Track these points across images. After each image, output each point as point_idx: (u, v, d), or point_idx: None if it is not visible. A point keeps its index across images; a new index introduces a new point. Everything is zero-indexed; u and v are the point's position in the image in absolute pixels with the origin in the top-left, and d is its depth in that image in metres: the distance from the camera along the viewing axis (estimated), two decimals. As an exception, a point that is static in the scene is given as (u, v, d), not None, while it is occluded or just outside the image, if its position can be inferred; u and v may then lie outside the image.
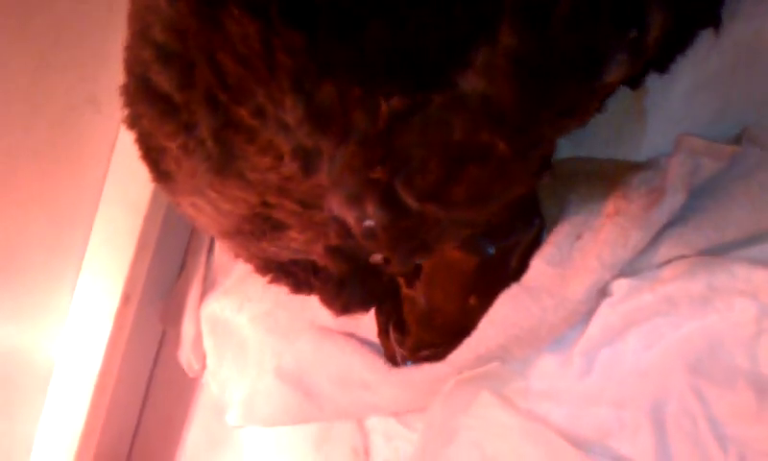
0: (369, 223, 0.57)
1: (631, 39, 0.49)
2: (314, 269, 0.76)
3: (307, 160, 0.54)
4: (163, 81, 0.58)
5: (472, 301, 0.74)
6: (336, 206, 0.58)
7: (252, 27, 0.50)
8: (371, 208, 0.55)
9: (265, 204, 0.62)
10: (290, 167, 0.56)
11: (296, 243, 0.67)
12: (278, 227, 0.65)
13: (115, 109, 0.93)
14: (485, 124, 0.50)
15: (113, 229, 0.98)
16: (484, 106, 0.49)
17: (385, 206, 0.54)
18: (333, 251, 0.66)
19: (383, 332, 0.83)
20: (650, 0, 0.48)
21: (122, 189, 0.99)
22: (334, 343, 0.87)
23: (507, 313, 0.69)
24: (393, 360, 0.81)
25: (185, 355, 1.03)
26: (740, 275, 0.61)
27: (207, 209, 0.67)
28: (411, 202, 0.54)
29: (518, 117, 0.49)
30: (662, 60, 0.66)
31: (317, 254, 0.69)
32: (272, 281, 0.78)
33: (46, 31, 0.93)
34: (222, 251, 1.01)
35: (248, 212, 0.64)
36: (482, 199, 0.56)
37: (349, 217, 0.57)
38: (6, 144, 0.93)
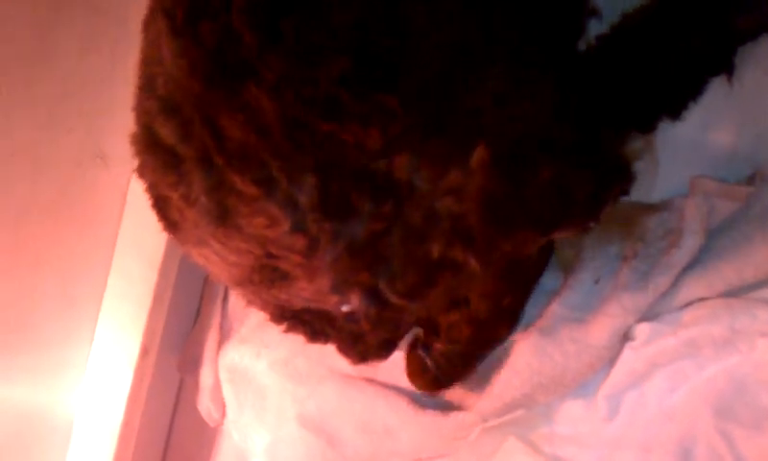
0: (347, 308, 0.62)
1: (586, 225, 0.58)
2: (329, 317, 0.76)
3: (307, 242, 0.57)
4: (166, 133, 0.60)
5: (506, 301, 0.74)
6: (321, 287, 0.61)
7: (275, 111, 0.51)
8: (355, 300, 0.59)
9: (269, 255, 0.63)
10: (284, 230, 0.57)
11: (306, 292, 0.67)
12: (287, 276, 0.66)
13: (124, 161, 0.94)
14: (457, 242, 0.55)
15: (128, 282, 0.98)
16: (455, 225, 0.55)
17: (369, 300, 0.59)
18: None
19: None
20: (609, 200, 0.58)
21: (135, 242, 0.99)
22: (356, 388, 0.87)
23: (530, 361, 0.70)
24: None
25: (204, 404, 1.03)
26: (761, 316, 0.62)
27: (215, 259, 0.67)
28: (392, 299, 0.58)
29: (485, 241, 0.55)
30: (675, 106, 0.66)
31: (329, 304, 0.70)
32: (287, 330, 0.78)
33: (52, 87, 0.93)
34: (237, 299, 1.01)
35: (254, 263, 0.65)
36: (454, 297, 0.64)
37: (330, 302, 0.62)
38: (16, 202, 0.93)
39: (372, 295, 0.59)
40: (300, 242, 0.57)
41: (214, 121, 0.55)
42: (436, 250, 0.56)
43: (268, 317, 0.78)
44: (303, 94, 0.51)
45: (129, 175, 0.99)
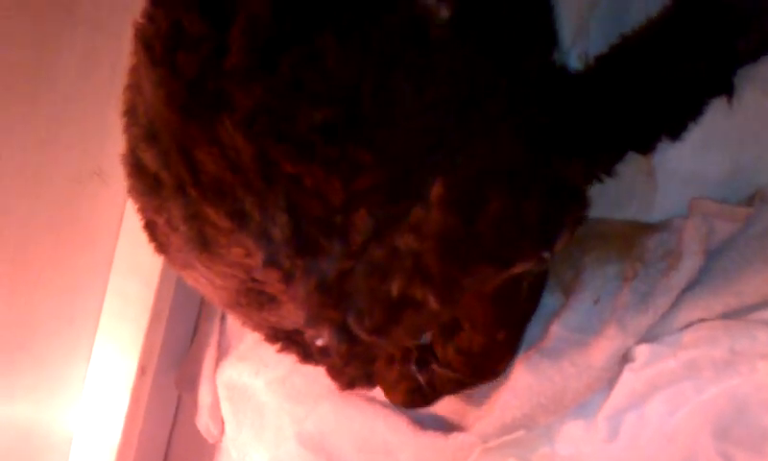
0: (320, 342, 0.64)
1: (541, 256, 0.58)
2: (318, 348, 0.76)
3: (282, 275, 0.58)
4: (149, 158, 0.60)
5: (500, 336, 0.74)
6: (299, 322, 0.62)
7: (248, 147, 0.52)
8: (326, 335, 0.60)
9: (254, 279, 0.63)
10: (259, 262, 0.58)
11: (294, 316, 0.67)
12: (274, 300, 0.66)
13: (122, 179, 0.94)
14: (417, 280, 0.56)
15: (125, 301, 0.98)
16: (415, 263, 0.56)
17: (339, 336, 0.60)
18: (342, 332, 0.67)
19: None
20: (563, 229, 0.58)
21: (132, 260, 0.99)
22: (355, 407, 0.87)
23: (530, 382, 0.70)
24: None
25: (203, 421, 1.02)
26: (761, 338, 0.62)
27: (203, 282, 0.68)
28: (361, 335, 0.59)
29: (443, 278, 0.56)
30: (674, 126, 0.66)
31: (307, 335, 0.70)
32: (281, 350, 0.78)
33: (51, 105, 0.93)
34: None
35: (240, 287, 0.65)
36: (420, 333, 0.65)
37: (306, 333, 0.63)
38: (14, 219, 0.93)
39: (342, 331, 0.60)
40: (274, 274, 0.58)
41: (190, 153, 0.56)
42: (396, 287, 0.56)
43: (262, 337, 0.78)
44: (279, 129, 0.51)
45: (126, 192, 0.99)
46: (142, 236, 0.92)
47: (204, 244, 0.61)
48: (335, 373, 0.78)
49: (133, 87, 0.62)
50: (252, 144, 0.52)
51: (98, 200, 0.99)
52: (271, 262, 0.57)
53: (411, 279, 0.56)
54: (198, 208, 0.58)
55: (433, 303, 0.56)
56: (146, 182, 0.63)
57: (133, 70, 0.62)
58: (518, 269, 0.58)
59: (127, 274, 0.98)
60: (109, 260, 0.99)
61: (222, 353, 1.02)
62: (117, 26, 0.93)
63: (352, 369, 0.77)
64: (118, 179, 0.98)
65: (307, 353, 0.77)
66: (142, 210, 0.68)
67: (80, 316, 1.00)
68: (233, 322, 1.02)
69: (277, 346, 0.78)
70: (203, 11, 0.54)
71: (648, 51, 0.66)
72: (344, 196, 0.53)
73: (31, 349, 0.97)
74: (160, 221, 0.64)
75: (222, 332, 1.02)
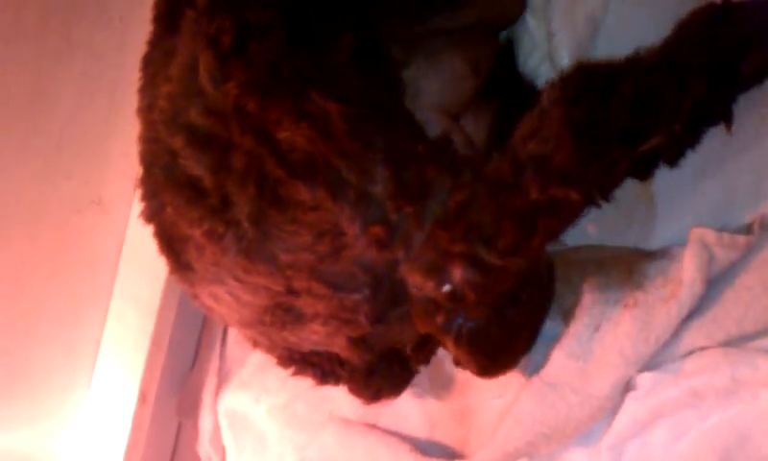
0: (447, 288, 0.59)
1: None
2: (339, 359, 0.76)
3: (389, 234, 0.58)
4: (193, 165, 0.61)
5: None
6: (416, 278, 0.60)
7: (339, 109, 0.54)
8: (456, 274, 0.58)
9: (290, 291, 0.63)
10: (327, 245, 0.60)
11: (317, 336, 0.68)
12: (300, 318, 0.66)
13: (121, 207, 0.94)
14: (553, 180, 0.56)
15: (125, 329, 0.98)
16: (544, 166, 0.56)
17: (470, 269, 0.58)
18: (357, 342, 0.67)
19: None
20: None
21: (132, 288, 0.99)
22: (358, 434, 0.87)
23: (532, 410, 0.69)
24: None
25: (204, 449, 1.02)
26: (763, 367, 0.62)
27: (227, 300, 0.67)
28: (494, 261, 0.58)
29: (580, 170, 0.56)
30: (673, 154, 0.66)
31: (339, 346, 0.70)
32: (295, 374, 0.78)
33: (50, 134, 0.93)
34: (235, 342, 1.01)
35: (269, 303, 0.65)
36: (556, 239, 0.62)
37: (428, 286, 0.60)
38: (14, 248, 0.93)
39: (473, 263, 0.58)
40: (379, 233, 0.58)
41: (272, 136, 0.57)
42: (534, 193, 0.56)
43: (275, 360, 0.78)
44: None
45: (126, 221, 0.99)
46: (142, 264, 0.92)
47: (261, 243, 0.61)
48: (358, 387, 0.77)
49: (179, 95, 0.63)
50: (343, 104, 0.55)
51: (98, 228, 0.99)
52: (374, 222, 0.57)
53: (546, 182, 0.56)
54: (277, 193, 0.59)
55: (575, 198, 0.57)
56: (185, 194, 0.63)
57: (177, 80, 0.63)
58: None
59: (127, 301, 0.98)
60: (110, 288, 0.99)
61: (222, 380, 1.01)
62: (115, 54, 0.93)
63: (377, 378, 0.76)
64: (118, 207, 0.98)
65: (324, 374, 0.77)
66: (169, 228, 0.68)
67: (80, 344, 1.00)
68: (234, 347, 1.02)
69: (291, 370, 0.77)
70: (264, 3, 0.57)
71: (647, 76, 0.66)
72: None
73: (31, 377, 0.97)
74: (197, 233, 0.64)
75: (222, 359, 1.02)
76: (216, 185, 0.60)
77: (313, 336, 0.69)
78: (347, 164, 0.56)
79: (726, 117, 0.65)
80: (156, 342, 0.97)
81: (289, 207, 0.59)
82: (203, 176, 0.61)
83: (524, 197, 0.57)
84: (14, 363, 0.94)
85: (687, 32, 0.65)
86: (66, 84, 0.93)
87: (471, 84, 0.67)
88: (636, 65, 0.61)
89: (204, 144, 0.60)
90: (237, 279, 0.64)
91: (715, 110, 0.65)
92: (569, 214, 0.60)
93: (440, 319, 0.62)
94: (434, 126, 0.65)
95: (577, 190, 0.57)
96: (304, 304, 0.65)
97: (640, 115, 0.58)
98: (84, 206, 0.98)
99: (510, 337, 0.67)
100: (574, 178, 0.56)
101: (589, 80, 0.58)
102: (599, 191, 0.59)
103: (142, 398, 0.97)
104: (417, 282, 0.60)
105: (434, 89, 0.64)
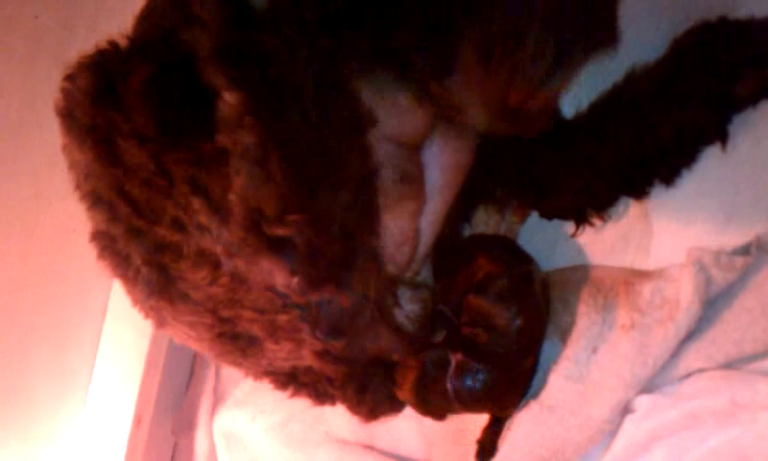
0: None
1: None
2: (329, 378, 0.75)
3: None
4: (99, 221, 0.62)
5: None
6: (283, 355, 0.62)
7: (142, 152, 0.53)
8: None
9: (222, 320, 0.62)
10: (228, 271, 0.57)
11: (282, 353, 0.66)
12: (253, 341, 0.65)
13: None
14: None
15: (120, 351, 0.97)
16: None
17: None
18: (322, 355, 0.66)
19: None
20: None
21: (126, 309, 0.97)
22: (353, 454, 0.86)
23: (530, 434, 0.69)
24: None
25: (200, 469, 1.01)
26: (761, 390, 0.61)
27: (184, 337, 0.67)
28: None
29: None
30: (668, 173, 0.66)
31: (308, 360, 0.69)
32: (292, 396, 0.77)
33: (41, 155, 0.93)
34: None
35: (212, 334, 0.64)
36: None
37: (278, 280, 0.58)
38: (7, 270, 0.92)
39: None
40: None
41: (123, 189, 0.57)
42: None
43: (272, 386, 0.77)
44: None
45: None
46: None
47: (167, 284, 0.60)
48: (354, 404, 0.76)
49: (73, 163, 0.63)
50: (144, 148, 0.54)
51: (91, 249, 0.98)
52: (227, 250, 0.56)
53: None
54: (151, 239, 0.58)
55: None
56: (101, 243, 0.64)
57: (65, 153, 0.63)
58: None
59: (121, 322, 0.97)
60: (103, 309, 0.99)
61: (218, 399, 1.01)
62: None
63: (371, 395, 0.75)
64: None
65: (318, 395, 0.76)
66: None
67: (74, 365, 0.99)
68: (229, 367, 1.01)
69: (289, 391, 0.76)
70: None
71: (643, 97, 0.66)
72: None
73: (24, 399, 0.96)
74: (121, 279, 0.65)
75: (218, 378, 1.01)
76: (116, 236, 0.61)
77: (278, 354, 0.67)
78: (171, 203, 0.56)
79: (721, 137, 0.65)
80: (150, 363, 0.96)
81: (168, 249, 0.58)
82: (107, 229, 0.61)
83: None
84: (7, 385, 0.93)
85: (683, 50, 0.65)
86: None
87: (421, 116, 0.63)
88: None
89: (95, 203, 0.61)
90: (174, 319, 0.64)
91: (710, 130, 0.65)
92: None
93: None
94: (388, 156, 0.63)
95: None
96: (246, 329, 0.63)
97: None
98: (79, 225, 0.97)
99: (510, 378, 0.67)
100: None
101: None
102: None
103: (137, 420, 0.96)
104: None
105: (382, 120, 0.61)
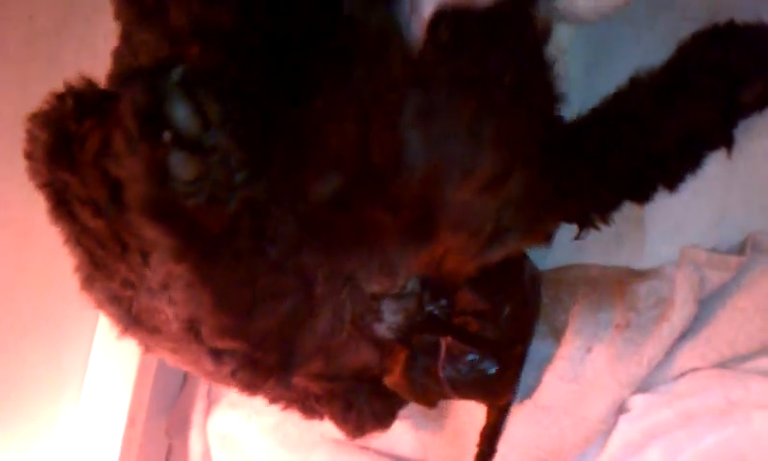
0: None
1: None
2: (315, 395, 0.75)
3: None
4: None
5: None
6: None
7: (97, 219, 0.54)
8: None
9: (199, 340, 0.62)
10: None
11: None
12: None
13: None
14: None
15: (113, 351, 0.97)
16: None
17: None
18: (304, 373, 0.67)
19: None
20: None
21: (120, 309, 0.97)
22: (349, 455, 0.86)
23: (526, 434, 0.69)
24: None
25: (194, 471, 1.01)
26: (755, 389, 0.62)
27: (170, 360, 0.67)
28: None
29: None
30: (672, 179, 0.66)
31: (293, 379, 0.69)
32: (285, 408, 0.77)
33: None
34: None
35: (195, 357, 0.64)
36: None
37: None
38: (1, 272, 0.92)
39: None
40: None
41: (81, 241, 0.58)
42: None
43: (267, 401, 0.76)
44: None
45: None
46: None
47: (134, 322, 0.61)
48: (340, 421, 0.76)
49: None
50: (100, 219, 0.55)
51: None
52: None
53: None
54: (107, 292, 0.61)
55: None
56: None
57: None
58: None
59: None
60: (97, 311, 0.98)
61: (212, 400, 1.00)
62: (102, 75, 0.92)
63: (356, 413, 0.75)
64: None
65: (306, 409, 0.76)
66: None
67: (67, 366, 0.99)
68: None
69: (282, 404, 0.76)
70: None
71: (648, 101, 0.66)
72: None
73: (18, 400, 0.95)
74: None
75: (212, 379, 1.01)
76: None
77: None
78: (124, 267, 0.56)
79: (726, 142, 0.65)
80: (144, 365, 0.95)
81: (123, 302, 0.60)
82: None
83: None
84: (1, 383, 0.93)
85: (688, 55, 0.65)
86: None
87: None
88: None
89: (66, 240, 0.61)
90: (156, 345, 0.64)
91: (716, 135, 0.65)
92: None
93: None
94: None
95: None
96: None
97: None
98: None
99: (500, 364, 0.67)
100: None
101: None
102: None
103: (131, 421, 0.96)
104: None
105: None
